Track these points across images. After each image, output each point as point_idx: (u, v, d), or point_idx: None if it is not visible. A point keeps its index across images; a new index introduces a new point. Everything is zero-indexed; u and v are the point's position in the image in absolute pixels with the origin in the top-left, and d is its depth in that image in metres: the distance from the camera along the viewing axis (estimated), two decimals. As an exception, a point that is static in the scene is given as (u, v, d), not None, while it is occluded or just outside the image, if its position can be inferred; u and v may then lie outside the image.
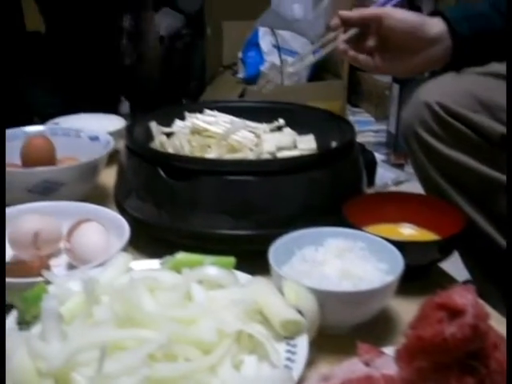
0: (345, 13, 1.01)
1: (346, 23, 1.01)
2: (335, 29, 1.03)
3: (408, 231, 0.94)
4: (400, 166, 2.61)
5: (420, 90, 1.06)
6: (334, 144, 1.04)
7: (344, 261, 0.78)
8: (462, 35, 0.97)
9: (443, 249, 0.87)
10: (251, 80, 2.91)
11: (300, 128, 1.12)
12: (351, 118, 2.97)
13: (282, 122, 1.14)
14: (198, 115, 1.13)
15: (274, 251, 0.78)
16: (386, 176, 2.47)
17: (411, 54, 0.99)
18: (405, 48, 0.98)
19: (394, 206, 0.95)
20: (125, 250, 0.86)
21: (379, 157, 2.53)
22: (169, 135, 1.09)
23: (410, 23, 0.97)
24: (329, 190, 0.94)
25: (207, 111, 1.14)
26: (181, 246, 0.81)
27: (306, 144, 1.06)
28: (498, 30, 0.98)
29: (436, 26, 0.98)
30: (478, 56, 1.01)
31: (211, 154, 1.03)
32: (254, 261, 0.78)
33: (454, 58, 0.99)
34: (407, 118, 1.07)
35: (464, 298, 0.53)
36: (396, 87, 2.65)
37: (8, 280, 0.80)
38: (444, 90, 1.04)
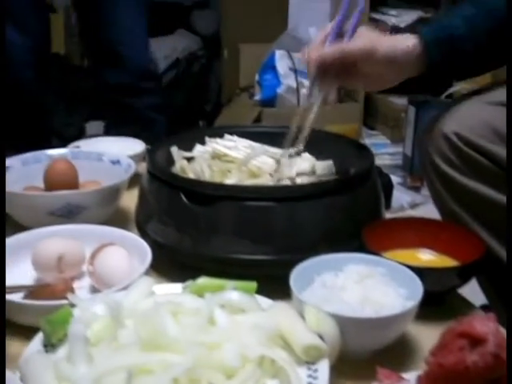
0: (324, 55, 0.98)
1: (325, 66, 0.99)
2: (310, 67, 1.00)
3: (427, 257, 0.94)
4: (416, 189, 2.61)
5: (435, 119, 1.07)
6: (352, 170, 1.05)
7: (364, 287, 0.79)
8: (433, 60, 0.99)
9: (462, 275, 0.88)
10: (268, 103, 2.93)
11: (318, 153, 1.13)
12: (367, 141, 2.97)
13: (301, 147, 1.15)
14: (218, 140, 1.15)
15: (295, 276, 0.79)
16: (402, 198, 2.47)
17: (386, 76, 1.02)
18: (381, 74, 1.01)
19: (413, 232, 0.96)
20: (147, 273, 0.88)
21: (395, 179, 2.54)
22: (189, 159, 1.11)
23: (391, 54, 0.98)
24: (348, 216, 0.95)
25: (227, 136, 1.16)
26: (202, 270, 0.82)
27: (325, 169, 1.08)
28: (470, 54, 1.00)
29: (408, 42, 0.99)
30: (450, 75, 1.05)
31: (231, 179, 1.04)
32: (274, 285, 0.79)
33: (426, 71, 1.01)
34: (425, 149, 1.08)
35: (485, 326, 0.53)
36: (412, 110, 2.66)
37: (33, 303, 0.82)
38: (461, 121, 1.04)
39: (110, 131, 1.84)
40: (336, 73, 1.01)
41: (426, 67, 1.00)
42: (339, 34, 1.01)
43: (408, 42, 0.99)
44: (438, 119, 1.06)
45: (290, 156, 1.10)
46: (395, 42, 0.99)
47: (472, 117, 1.04)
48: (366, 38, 0.99)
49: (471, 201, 1.04)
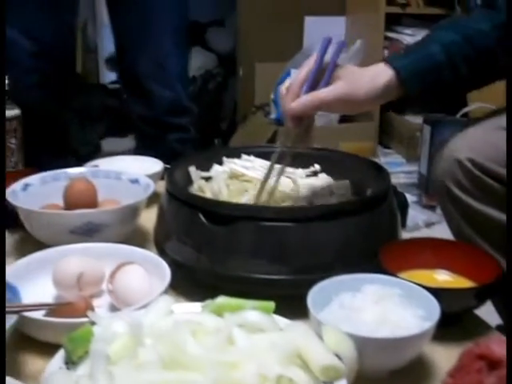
0: (300, 106, 0.97)
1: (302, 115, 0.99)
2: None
3: (443, 277, 0.95)
4: (432, 208, 2.61)
5: (450, 146, 1.08)
6: (369, 190, 1.06)
7: (381, 307, 0.79)
8: (412, 92, 1.00)
9: (479, 296, 0.88)
10: (282, 121, 2.93)
11: (335, 174, 1.14)
12: (382, 159, 2.98)
13: (317, 167, 1.16)
14: (236, 160, 1.16)
15: (313, 296, 0.80)
16: (418, 217, 2.47)
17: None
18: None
19: (430, 252, 0.97)
20: (166, 292, 0.89)
21: (410, 198, 2.54)
22: (207, 179, 1.12)
23: (373, 95, 0.98)
24: (365, 236, 0.96)
25: (244, 156, 1.17)
26: (219, 290, 0.83)
27: (342, 190, 1.09)
28: (448, 82, 1.01)
29: (386, 76, 0.99)
30: (428, 100, 1.07)
31: (248, 199, 1.05)
32: (291, 305, 0.79)
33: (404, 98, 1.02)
34: (438, 174, 1.08)
35: (503, 348, 0.54)
36: (427, 128, 2.66)
37: (55, 320, 0.83)
38: (474, 146, 1.05)
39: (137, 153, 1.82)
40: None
41: (403, 95, 1.01)
42: (318, 71, 0.99)
43: (386, 77, 0.99)
44: (451, 144, 1.07)
45: (307, 175, 1.11)
46: (374, 80, 0.99)
47: (484, 141, 1.04)
48: (344, 83, 0.97)
49: (484, 225, 1.05)
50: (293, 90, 0.98)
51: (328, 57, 1.01)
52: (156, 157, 1.48)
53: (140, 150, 2.13)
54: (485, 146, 1.03)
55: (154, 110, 2.04)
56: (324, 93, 0.97)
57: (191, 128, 2.17)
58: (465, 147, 1.04)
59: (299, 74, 1.00)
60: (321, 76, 0.98)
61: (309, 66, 1.00)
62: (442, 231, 1.22)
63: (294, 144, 1.03)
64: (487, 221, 1.04)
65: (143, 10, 1.94)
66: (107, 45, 4.97)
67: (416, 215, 2.47)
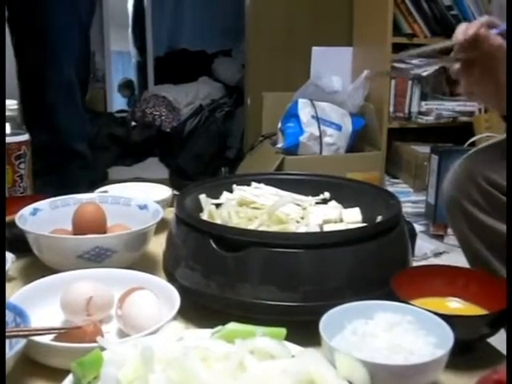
0: (487, 34, 1.01)
1: (475, 44, 1.01)
2: (466, 43, 1.02)
3: (455, 305, 0.94)
4: (439, 237, 2.60)
5: (462, 163, 1.08)
6: (379, 217, 1.06)
7: (394, 334, 0.79)
8: None
9: (492, 324, 0.87)
10: (290, 150, 2.95)
11: (345, 201, 1.14)
12: (389, 189, 2.98)
13: (327, 194, 1.16)
14: (246, 187, 1.16)
15: (325, 323, 0.79)
16: (425, 247, 2.47)
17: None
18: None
19: (441, 280, 0.96)
20: (174, 318, 0.88)
21: (418, 228, 2.54)
22: (217, 206, 1.12)
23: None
24: (376, 263, 0.95)
25: (254, 184, 1.17)
26: (229, 316, 0.82)
27: (352, 217, 1.08)
28: None
29: None
30: None
31: (258, 226, 1.05)
32: (302, 331, 0.79)
33: None
34: (451, 191, 1.09)
35: (521, 375, 0.53)
36: (435, 158, 2.67)
37: (64, 345, 0.82)
38: (486, 162, 1.06)
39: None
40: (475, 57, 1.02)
41: None
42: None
43: None
44: (463, 160, 1.08)
45: (317, 202, 1.11)
46: None
47: (495, 157, 1.05)
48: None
49: (496, 241, 1.05)
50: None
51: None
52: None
53: None
54: (496, 162, 1.04)
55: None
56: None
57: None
58: (476, 163, 1.05)
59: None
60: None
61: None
62: (451, 261, 1.22)
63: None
64: (498, 236, 1.04)
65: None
66: (115, 73, 5.03)
67: (424, 245, 2.47)
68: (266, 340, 0.75)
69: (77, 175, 2.39)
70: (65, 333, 0.87)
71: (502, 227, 1.04)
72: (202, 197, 1.12)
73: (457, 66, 1.04)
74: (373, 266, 0.95)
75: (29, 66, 2.25)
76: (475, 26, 1.01)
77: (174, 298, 0.93)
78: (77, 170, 2.42)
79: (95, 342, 0.77)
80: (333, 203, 1.14)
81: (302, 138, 2.93)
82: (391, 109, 3.15)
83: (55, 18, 2.13)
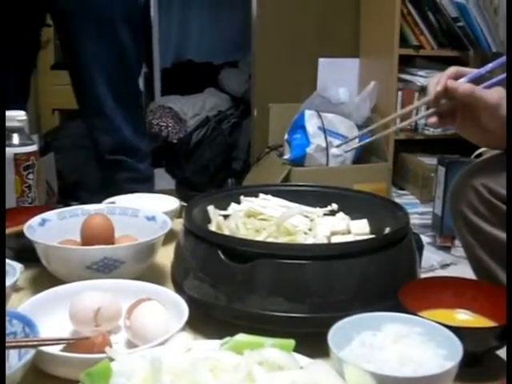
0: (454, 85, 1.02)
1: (447, 96, 1.03)
2: (437, 98, 1.05)
3: (464, 317, 0.94)
4: (446, 249, 2.60)
5: (464, 173, 1.09)
6: (387, 229, 1.06)
7: (402, 346, 0.78)
8: None
9: (501, 336, 0.87)
10: (297, 161, 2.95)
11: (352, 212, 1.14)
12: (396, 201, 2.98)
13: (335, 206, 1.16)
14: (253, 199, 1.16)
15: (333, 335, 0.79)
16: (432, 258, 2.46)
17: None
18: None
19: (450, 292, 0.96)
20: (183, 329, 0.88)
21: (425, 239, 2.53)
22: (225, 217, 1.12)
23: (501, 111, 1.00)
24: (384, 275, 0.95)
25: (262, 195, 1.18)
26: (237, 327, 0.82)
27: (360, 229, 1.08)
28: None
29: None
30: None
31: (266, 237, 1.05)
32: (311, 342, 0.79)
33: None
34: (454, 200, 1.10)
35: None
36: (442, 170, 2.67)
37: (73, 355, 0.82)
38: (488, 172, 1.07)
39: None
40: (453, 106, 1.04)
41: None
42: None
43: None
44: (466, 171, 1.09)
45: (325, 214, 1.11)
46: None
47: (497, 167, 1.06)
48: (497, 93, 1.01)
49: (500, 250, 1.06)
50: (452, 73, 1.05)
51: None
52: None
53: None
54: (498, 172, 1.05)
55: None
56: (481, 89, 1.01)
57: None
58: (478, 173, 1.06)
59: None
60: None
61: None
62: (458, 272, 1.23)
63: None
64: (502, 245, 1.04)
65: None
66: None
67: (430, 256, 2.47)
68: (274, 351, 0.75)
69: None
70: (73, 343, 0.88)
71: (503, 235, 1.06)
72: (211, 208, 1.13)
73: (433, 119, 1.07)
74: (381, 277, 0.95)
75: None
76: (443, 80, 1.04)
77: (183, 308, 0.93)
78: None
79: (104, 352, 0.77)
80: (340, 215, 1.14)
81: (308, 150, 2.93)
82: (398, 120, 3.15)
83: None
